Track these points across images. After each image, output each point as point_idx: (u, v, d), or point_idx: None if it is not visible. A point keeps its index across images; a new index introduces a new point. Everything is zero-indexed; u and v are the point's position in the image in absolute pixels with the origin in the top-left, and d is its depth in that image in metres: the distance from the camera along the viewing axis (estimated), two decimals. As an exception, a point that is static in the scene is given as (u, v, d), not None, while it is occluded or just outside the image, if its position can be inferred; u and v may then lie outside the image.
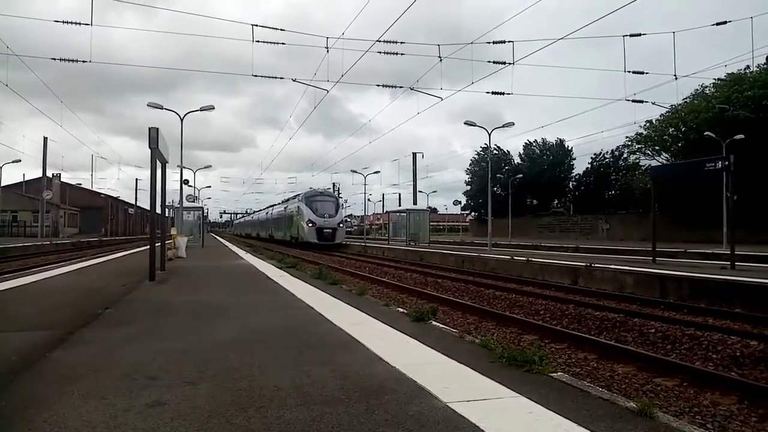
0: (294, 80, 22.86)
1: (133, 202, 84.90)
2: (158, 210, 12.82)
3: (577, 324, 9.91)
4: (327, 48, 19.82)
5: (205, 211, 55.79)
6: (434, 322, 7.14)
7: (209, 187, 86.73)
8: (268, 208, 68.39)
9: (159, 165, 12.35)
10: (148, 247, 12.36)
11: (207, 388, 3.86)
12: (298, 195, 45.84)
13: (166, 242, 17.25)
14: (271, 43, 19.01)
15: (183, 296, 9.43)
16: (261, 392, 3.78)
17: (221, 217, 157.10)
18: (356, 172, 49.37)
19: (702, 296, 11.62)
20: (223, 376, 4.18)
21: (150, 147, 11.24)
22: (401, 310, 8.52)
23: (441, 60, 20.33)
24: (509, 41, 19.22)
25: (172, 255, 19.47)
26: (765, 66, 38.74)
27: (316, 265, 21.50)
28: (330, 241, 39.40)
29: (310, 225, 39.73)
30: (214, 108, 29.60)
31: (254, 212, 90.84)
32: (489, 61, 20.44)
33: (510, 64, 19.92)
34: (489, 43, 19.78)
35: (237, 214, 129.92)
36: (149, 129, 11.23)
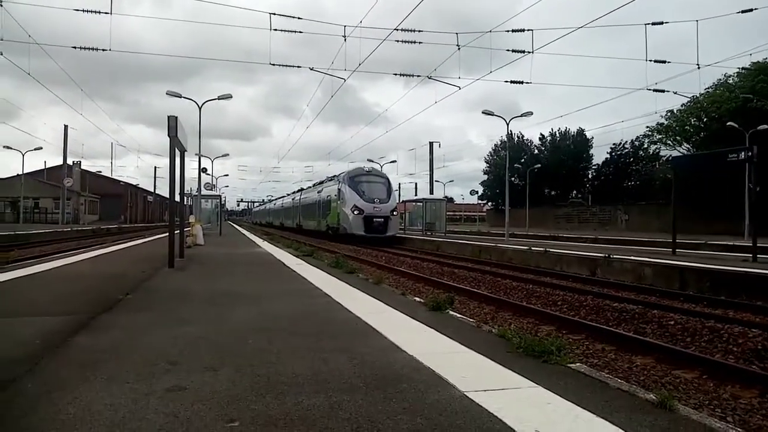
0: (311, 69, 22.90)
1: (152, 190, 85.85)
2: (177, 198, 12.94)
3: (595, 315, 9.85)
4: (344, 37, 19.78)
5: (223, 199, 56.25)
6: (451, 312, 7.13)
7: (227, 175, 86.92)
8: (295, 193, 59.07)
9: (178, 153, 12.45)
10: (167, 234, 12.49)
11: (226, 374, 3.91)
12: (338, 175, 37.46)
13: (185, 230, 17.42)
14: (288, 31, 19.01)
15: (202, 283, 9.52)
16: (280, 379, 3.81)
17: (238, 205, 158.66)
18: (372, 161, 49.37)
19: (722, 288, 11.47)
20: (242, 362, 4.22)
21: (169, 135, 11.33)
22: (418, 299, 8.53)
23: (459, 48, 20.19)
24: (528, 30, 19.01)
25: (190, 242, 19.68)
26: (791, 54, 37.83)
27: (332, 253, 21.58)
28: (381, 234, 31.94)
29: (355, 213, 32.19)
30: (231, 97, 29.76)
31: (276, 198, 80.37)
32: (508, 50, 20.28)
33: (529, 52, 19.73)
34: (508, 31, 19.60)
35: (254, 202, 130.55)
36: (168, 117, 11.31)
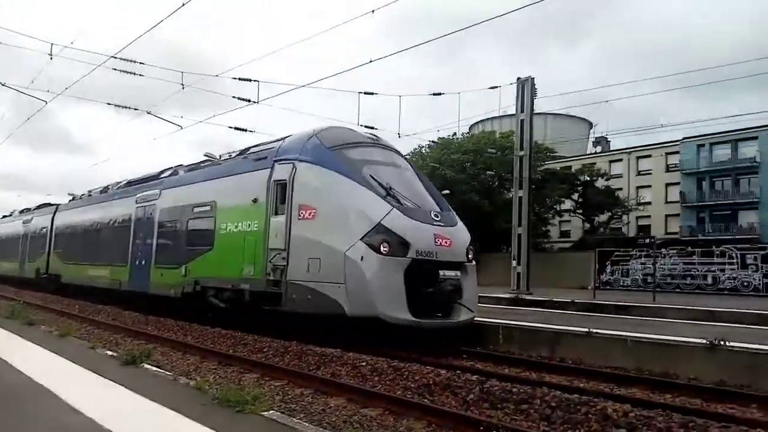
0: (4, 85, 19.65)
1: None
2: None
3: (298, 360, 10.21)
4: (51, 55, 17.56)
5: None
6: (147, 365, 6.70)
7: None
8: (33, 210, 31.68)
9: None
10: None
11: None
12: (265, 144, 14.61)
13: None
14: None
15: None
16: None
17: None
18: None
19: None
20: None
21: None
22: (110, 352, 7.81)
23: (183, 87, 19.61)
24: (255, 80, 19.49)
25: None
26: (467, 134, 46.45)
27: (10, 301, 18.35)
28: (446, 318, 10.99)
29: (384, 248, 10.05)
30: None
31: None
32: (234, 97, 20.39)
33: (255, 102, 20.17)
34: (234, 79, 19.78)
35: None
36: None
